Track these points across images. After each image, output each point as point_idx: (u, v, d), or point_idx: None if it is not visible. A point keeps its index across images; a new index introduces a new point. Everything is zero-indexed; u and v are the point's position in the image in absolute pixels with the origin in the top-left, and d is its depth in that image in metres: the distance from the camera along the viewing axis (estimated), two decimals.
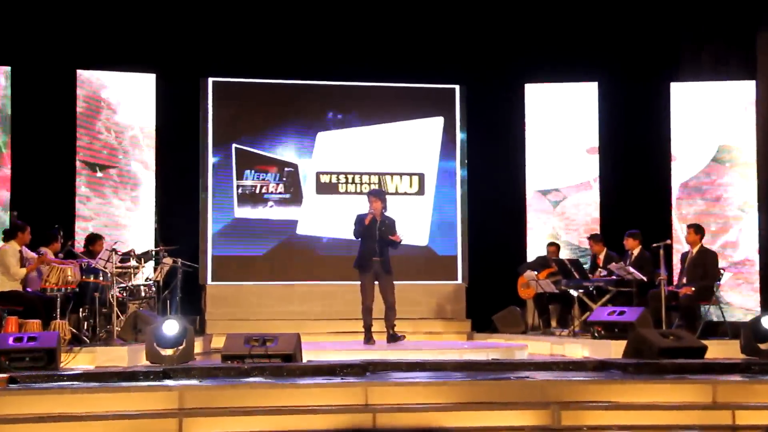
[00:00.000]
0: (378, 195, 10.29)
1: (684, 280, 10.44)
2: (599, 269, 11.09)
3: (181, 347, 8.12)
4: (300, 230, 13.07)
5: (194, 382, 7.18)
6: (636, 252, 10.81)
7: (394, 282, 10.22)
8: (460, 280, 13.28)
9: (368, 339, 10.04)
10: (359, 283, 10.18)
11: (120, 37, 12.11)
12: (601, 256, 11.28)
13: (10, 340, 7.76)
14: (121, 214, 12.32)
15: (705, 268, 10.33)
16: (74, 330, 9.32)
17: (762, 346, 8.63)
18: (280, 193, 13.07)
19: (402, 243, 10.30)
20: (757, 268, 12.27)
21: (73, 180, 12.02)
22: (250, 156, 13.01)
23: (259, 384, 7.11)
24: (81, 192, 12.06)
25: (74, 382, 7.18)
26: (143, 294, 10.36)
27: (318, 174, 13.17)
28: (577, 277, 10.83)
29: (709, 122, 12.60)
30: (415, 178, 13.35)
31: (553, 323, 11.57)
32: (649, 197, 12.65)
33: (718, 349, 9.07)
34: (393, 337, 10.11)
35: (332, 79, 13.15)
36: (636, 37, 12.79)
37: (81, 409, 6.54)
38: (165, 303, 10.81)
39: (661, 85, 12.70)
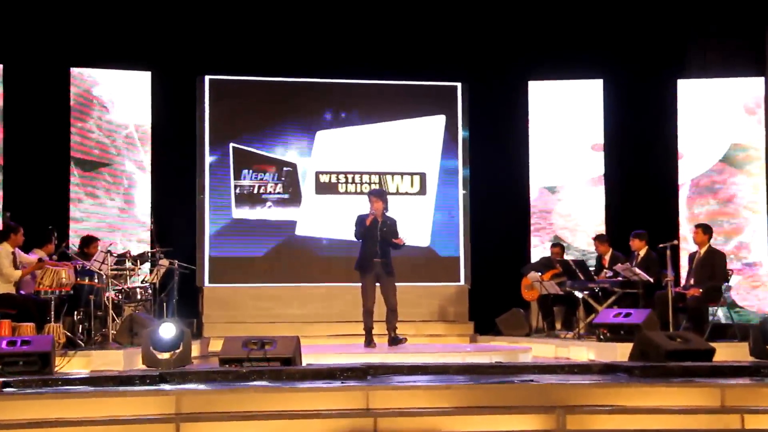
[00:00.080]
0: (379, 195, 10.17)
1: (691, 282, 10.33)
2: (605, 270, 11.03)
3: (178, 351, 8.06)
4: (299, 231, 12.98)
5: (191, 386, 7.16)
6: (642, 253, 10.71)
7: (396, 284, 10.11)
8: (462, 282, 13.18)
9: (369, 342, 9.97)
10: (360, 285, 10.08)
11: (115, 34, 12.05)
12: (607, 257, 11.24)
13: (4, 344, 7.69)
14: (115, 215, 12.24)
15: (713, 269, 10.21)
16: (69, 333, 9.23)
17: None
18: (278, 193, 12.96)
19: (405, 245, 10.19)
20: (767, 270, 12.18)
21: (67, 180, 11.94)
22: (248, 155, 12.91)
23: (258, 388, 7.08)
24: (74, 193, 11.98)
25: (69, 387, 7.13)
26: (139, 296, 10.36)
27: (317, 174, 13.06)
28: (582, 278, 10.75)
29: (718, 119, 12.50)
30: (417, 178, 13.22)
31: (558, 325, 11.50)
32: (655, 196, 12.60)
33: (727, 352, 9.01)
34: (394, 340, 10.03)
35: (332, 76, 13.05)
36: (641, 33, 12.72)
37: (76, 415, 6.48)
38: (161, 305, 10.83)
39: (668, 82, 12.65)
